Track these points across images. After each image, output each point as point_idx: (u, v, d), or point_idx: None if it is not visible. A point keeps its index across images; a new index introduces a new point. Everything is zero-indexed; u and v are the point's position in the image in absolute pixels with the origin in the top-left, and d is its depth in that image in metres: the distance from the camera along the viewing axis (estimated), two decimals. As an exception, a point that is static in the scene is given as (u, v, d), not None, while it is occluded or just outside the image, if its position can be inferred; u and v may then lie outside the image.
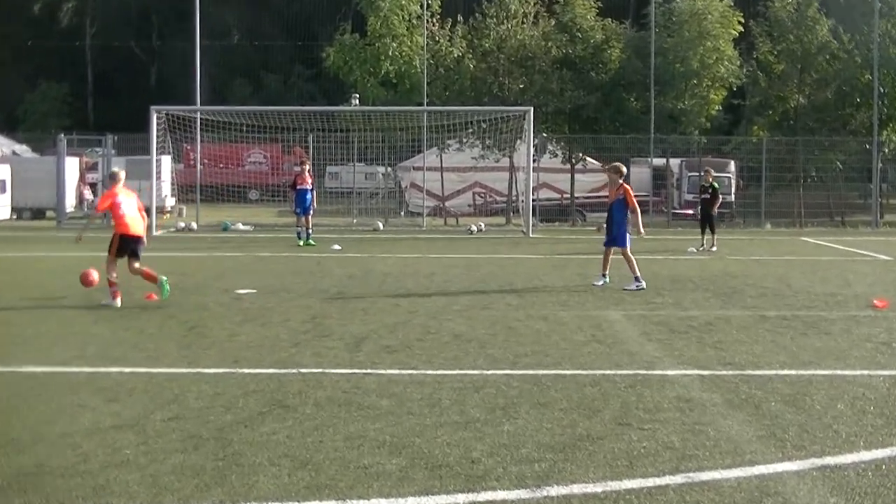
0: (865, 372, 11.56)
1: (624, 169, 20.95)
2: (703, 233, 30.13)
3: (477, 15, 45.37)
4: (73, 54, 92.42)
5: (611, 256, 19.93)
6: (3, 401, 9.93)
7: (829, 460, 8.00)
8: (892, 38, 44.02)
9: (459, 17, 45.80)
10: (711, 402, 9.97)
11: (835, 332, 14.43)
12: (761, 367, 11.80)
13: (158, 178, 40.20)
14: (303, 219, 30.44)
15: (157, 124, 38.31)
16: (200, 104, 45.01)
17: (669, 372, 11.45)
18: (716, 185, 31.10)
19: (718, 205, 30.83)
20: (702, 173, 32.94)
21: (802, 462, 7.94)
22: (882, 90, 43.82)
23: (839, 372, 11.58)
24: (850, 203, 47.47)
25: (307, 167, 31.76)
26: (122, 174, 18.31)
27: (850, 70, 44.63)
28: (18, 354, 12.29)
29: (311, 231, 30.61)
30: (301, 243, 29.87)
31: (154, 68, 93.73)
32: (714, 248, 29.23)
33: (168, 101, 47.79)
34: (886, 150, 44.77)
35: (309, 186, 30.63)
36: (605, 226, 20.63)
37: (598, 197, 49.38)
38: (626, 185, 20.30)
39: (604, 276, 19.86)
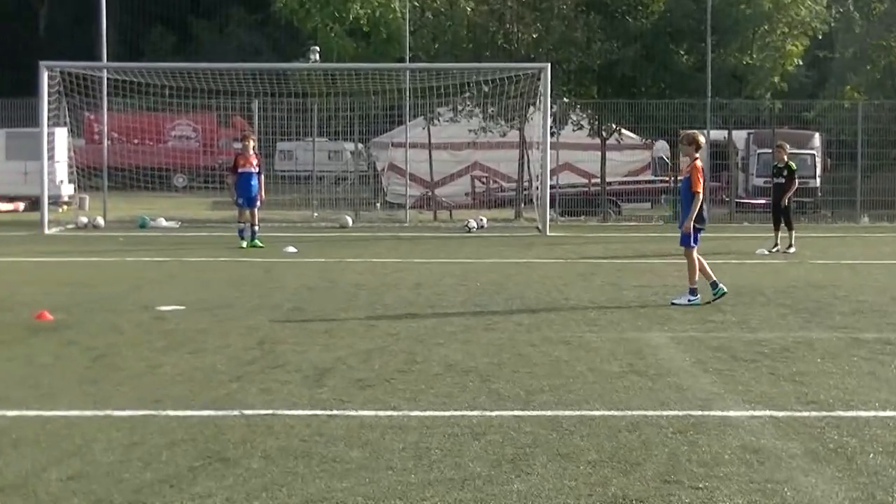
0: None
1: (701, 139, 20.49)
2: (776, 229, 30.18)
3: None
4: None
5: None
6: None
7: (945, 530, 8.09)
8: None
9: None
10: (788, 454, 10.02)
11: (951, 360, 14.52)
12: (856, 406, 11.85)
13: (51, 158, 40.16)
14: (247, 212, 30.32)
15: (50, 86, 38.32)
16: (107, 59, 45.00)
17: (732, 413, 11.52)
18: (792, 165, 31.13)
19: (794, 191, 30.88)
20: (774, 150, 32.87)
21: (909, 532, 8.04)
22: None
23: (958, 413, 11.67)
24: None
25: (252, 144, 31.55)
26: None
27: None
28: None
29: (257, 228, 30.57)
30: (244, 244, 29.86)
31: (43, 11, 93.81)
32: (792, 249, 29.37)
33: (63, 56, 47.91)
34: None
35: (255, 170, 30.48)
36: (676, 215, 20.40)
37: (637, 182, 49.75)
38: (696, 160, 20.06)
39: (712, 284, 19.62)
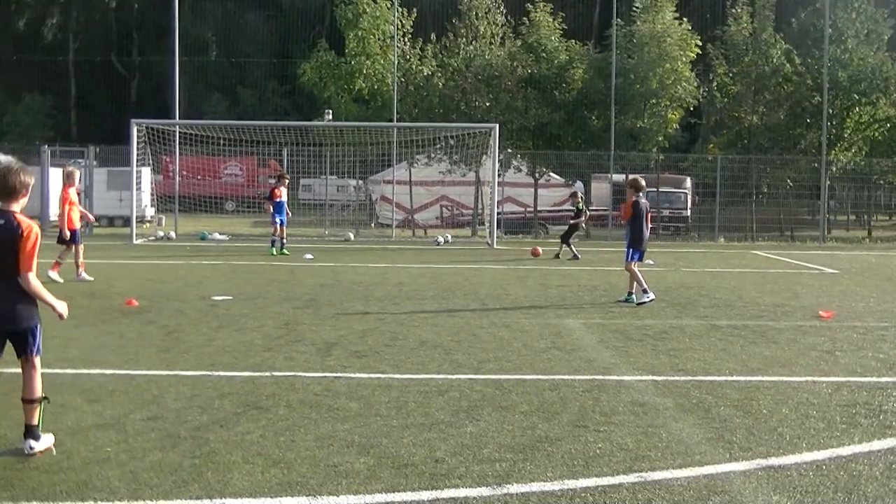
0: (809, 378, 11.70)
1: (641, 182, 19.45)
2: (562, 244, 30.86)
3: (450, 34, 45.64)
4: (56, 68, 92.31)
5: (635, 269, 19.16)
6: (-11, 401, 9.96)
7: (774, 461, 8.13)
8: (841, 63, 44.36)
9: (433, 37, 45.98)
10: (664, 407, 10.09)
11: (782, 341, 14.58)
12: (712, 373, 11.92)
13: (138, 188, 40.09)
14: (280, 228, 30.27)
15: (137, 137, 38.17)
16: (179, 118, 44.93)
17: (625, 377, 11.56)
18: (580, 206, 32.00)
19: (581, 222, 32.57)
20: (570, 196, 33.12)
21: (748, 463, 8.07)
22: (831, 111, 44.16)
23: (785, 378, 11.72)
24: (799, 218, 47.76)
25: (285, 181, 31.53)
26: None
27: (802, 92, 44.96)
28: (4, 357, 12.26)
29: (285, 241, 30.48)
30: (275, 252, 29.69)
31: (134, 83, 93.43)
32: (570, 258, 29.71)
33: (147, 115, 47.72)
34: (834, 169, 45.14)
35: (284, 199, 30.46)
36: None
37: (560, 211, 49.69)
38: (632, 199, 19.10)
39: (644, 291, 18.84)
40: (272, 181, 34.87)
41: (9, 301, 8.02)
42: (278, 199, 30.06)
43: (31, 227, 7.95)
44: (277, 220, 30.04)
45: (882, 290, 22.72)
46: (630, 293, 19.11)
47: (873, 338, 15.03)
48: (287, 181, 31.65)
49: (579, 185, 49.26)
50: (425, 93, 44.83)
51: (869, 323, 16.75)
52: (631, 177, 20.43)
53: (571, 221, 32.49)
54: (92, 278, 21.11)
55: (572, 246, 30.70)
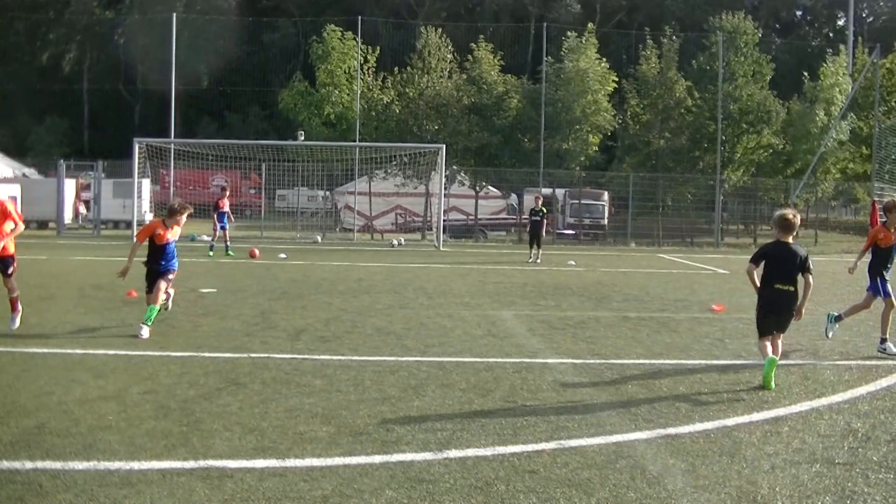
0: (703, 362, 11.81)
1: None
2: (531, 248, 30.00)
3: (407, 67, 45.71)
4: (72, 95, 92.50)
5: None
6: (11, 374, 9.86)
7: (671, 430, 8.20)
8: (733, 97, 44.87)
9: (396, 70, 45.99)
10: (582, 384, 10.14)
11: (681, 330, 14.68)
12: (622, 357, 11.98)
13: (139, 197, 39.86)
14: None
15: (139, 153, 38.01)
16: (174, 137, 44.80)
17: (549, 360, 11.59)
18: (544, 209, 30.80)
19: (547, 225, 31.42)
20: (534, 198, 32.01)
21: (650, 432, 8.13)
22: (724, 138, 44.75)
23: (683, 361, 11.81)
24: (698, 227, 48.03)
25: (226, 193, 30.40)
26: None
27: (700, 121, 45.51)
28: (24, 338, 12.19)
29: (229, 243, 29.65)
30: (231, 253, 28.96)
31: (138, 107, 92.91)
32: (539, 261, 28.97)
33: (148, 134, 47.47)
34: (727, 186, 45.63)
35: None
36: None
37: (498, 218, 49.85)
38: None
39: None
40: (252, 191, 34.59)
41: None
42: (222, 209, 29.20)
43: None
44: (219, 226, 29.17)
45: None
46: None
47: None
48: (227, 194, 30.49)
49: (514, 197, 49.52)
50: (384, 118, 44.81)
51: (753, 315, 16.87)
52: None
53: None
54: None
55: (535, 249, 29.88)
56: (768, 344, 10.58)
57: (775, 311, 10.73)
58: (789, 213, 10.85)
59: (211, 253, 28.99)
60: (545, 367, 11.17)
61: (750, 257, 11.11)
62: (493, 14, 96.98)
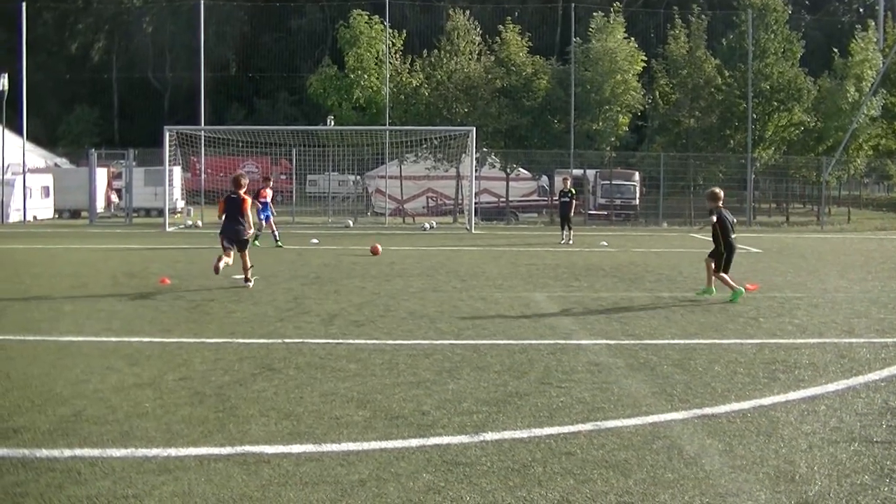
0: (737, 341, 11.72)
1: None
2: (562, 229, 29.88)
3: (435, 51, 45.64)
4: (102, 84, 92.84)
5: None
6: (48, 363, 9.91)
7: (707, 410, 8.13)
8: (764, 75, 44.48)
9: (425, 53, 45.97)
10: (616, 366, 10.08)
11: (714, 309, 14.61)
12: (656, 337, 11.92)
13: (170, 184, 40.08)
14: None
15: (169, 141, 38.15)
16: (204, 124, 44.93)
17: (583, 342, 11.54)
18: (573, 190, 30.69)
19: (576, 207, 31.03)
20: (563, 179, 31.88)
21: (686, 412, 8.07)
22: (755, 116, 44.39)
23: (717, 341, 11.72)
24: (729, 207, 47.51)
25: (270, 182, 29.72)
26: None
27: (731, 100, 45.17)
28: (59, 327, 12.26)
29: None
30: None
31: (167, 95, 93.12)
32: (571, 242, 28.94)
33: (178, 122, 47.74)
34: (758, 165, 45.31)
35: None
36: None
37: (529, 201, 49.70)
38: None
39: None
40: (283, 177, 34.58)
41: None
42: (264, 199, 27.71)
43: None
44: (262, 216, 27.53)
45: (797, 266, 22.81)
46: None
47: (790, 306, 15.09)
48: (270, 184, 29.58)
49: (544, 178, 49.36)
50: (413, 101, 44.84)
51: (786, 294, 16.82)
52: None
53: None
54: None
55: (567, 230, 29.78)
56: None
57: (733, 254, 16.29)
58: (717, 188, 17.07)
59: (257, 243, 28.03)
60: (579, 348, 11.12)
61: (715, 219, 16.01)
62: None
